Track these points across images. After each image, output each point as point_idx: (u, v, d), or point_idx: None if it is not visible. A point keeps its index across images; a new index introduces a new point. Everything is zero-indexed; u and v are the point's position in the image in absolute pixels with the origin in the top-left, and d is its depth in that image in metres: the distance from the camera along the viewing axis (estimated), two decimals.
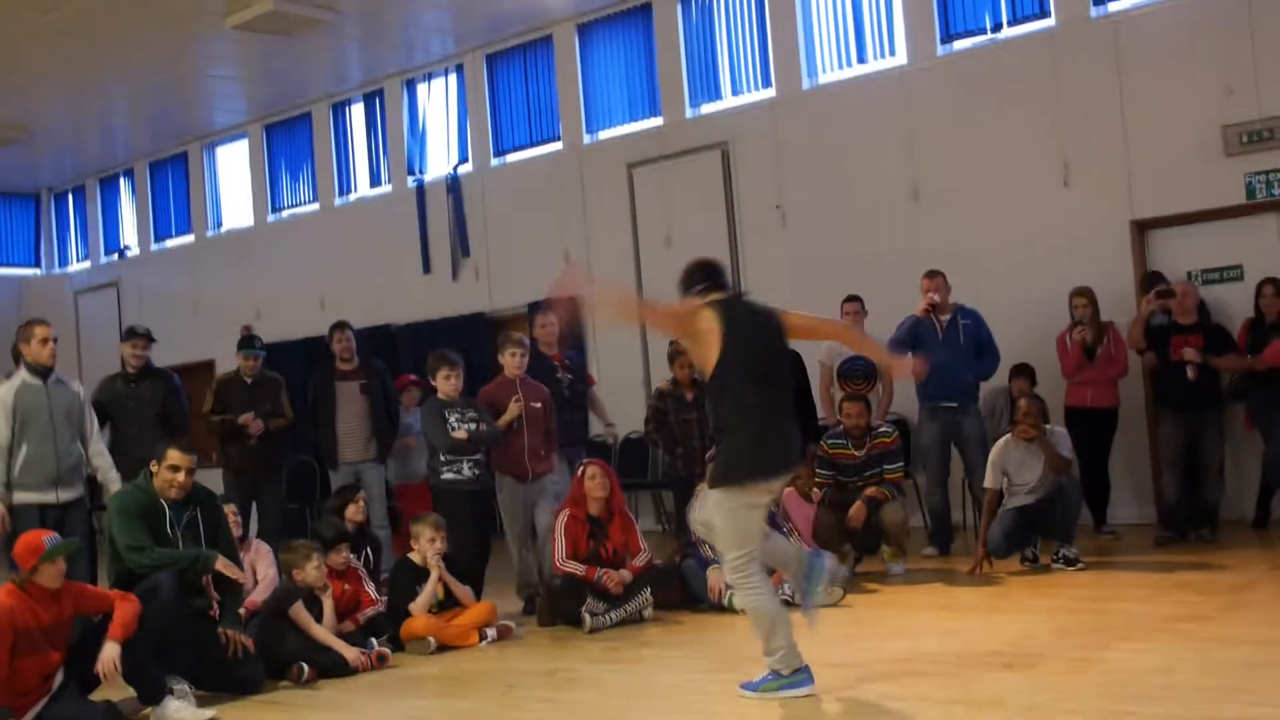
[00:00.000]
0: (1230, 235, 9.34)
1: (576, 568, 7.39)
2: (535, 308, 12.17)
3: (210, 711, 5.77)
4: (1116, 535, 9.06)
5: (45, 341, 7.56)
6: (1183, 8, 9.44)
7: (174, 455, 6.32)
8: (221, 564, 6.29)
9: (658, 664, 6.28)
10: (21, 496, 7.37)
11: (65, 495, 7.53)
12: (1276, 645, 5.33)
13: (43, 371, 7.58)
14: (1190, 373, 8.58)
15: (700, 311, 5.23)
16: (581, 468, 7.69)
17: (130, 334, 9.12)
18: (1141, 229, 9.63)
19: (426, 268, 13.64)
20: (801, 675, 4.99)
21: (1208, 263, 9.40)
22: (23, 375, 7.55)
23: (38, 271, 18.20)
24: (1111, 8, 9.80)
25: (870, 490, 8.23)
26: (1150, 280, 9.07)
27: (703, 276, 5.46)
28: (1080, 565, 7.80)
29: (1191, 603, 6.42)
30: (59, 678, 5.62)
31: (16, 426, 7.42)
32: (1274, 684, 4.67)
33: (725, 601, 7.39)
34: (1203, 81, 9.24)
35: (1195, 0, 9.40)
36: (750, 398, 5.18)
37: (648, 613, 7.35)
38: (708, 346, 5.14)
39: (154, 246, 16.93)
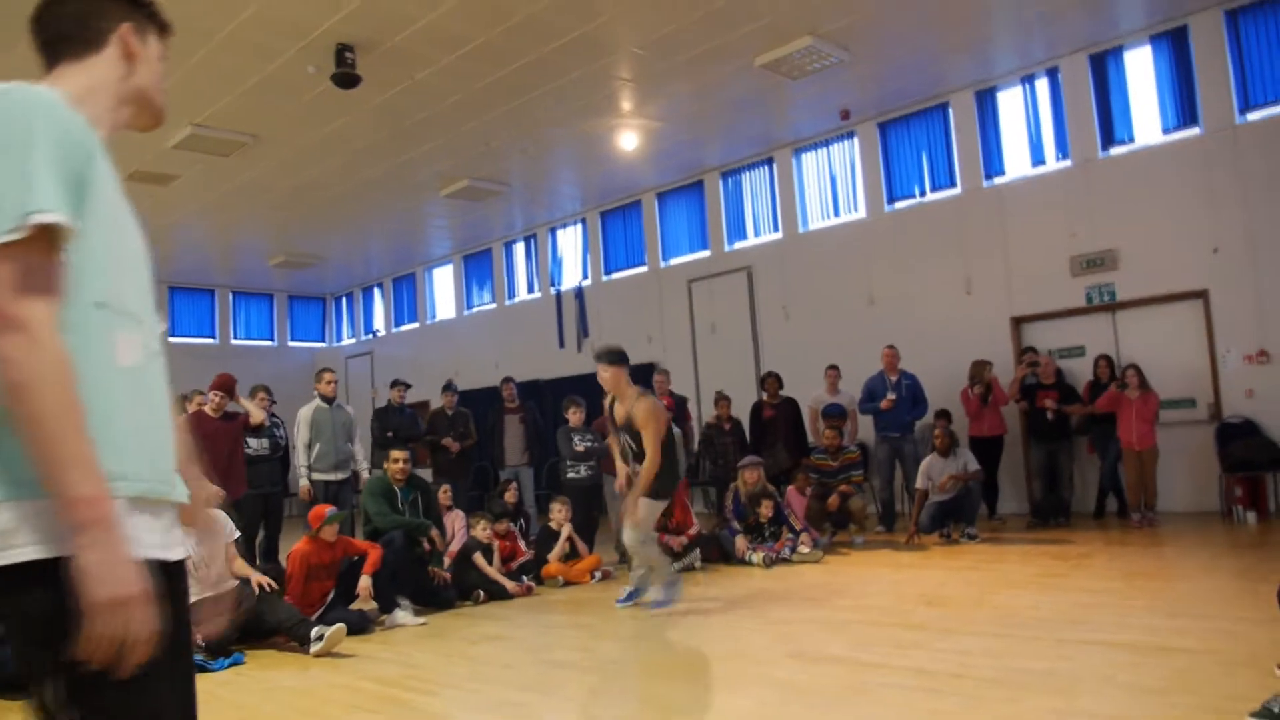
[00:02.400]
0: (1076, 326, 9.22)
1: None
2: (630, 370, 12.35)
3: (423, 619, 5.90)
4: (1003, 521, 8.93)
5: (330, 383, 7.92)
6: (1044, 180, 9.41)
7: (394, 454, 6.60)
8: (434, 534, 6.47)
9: (700, 595, 6.28)
10: (315, 476, 7.70)
11: (339, 476, 7.83)
12: (1106, 593, 5.25)
13: (328, 400, 7.90)
14: (1049, 415, 8.50)
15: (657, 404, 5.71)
16: None
17: (398, 383, 9.42)
18: (1018, 322, 9.55)
19: (561, 344, 13.81)
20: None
21: (1061, 344, 9.28)
22: (316, 401, 7.87)
23: (323, 344, 18.64)
24: (998, 180, 9.77)
25: (842, 487, 8.21)
26: (1024, 354, 9.01)
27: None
28: (979, 539, 7.71)
29: (1050, 565, 6.33)
30: (331, 595, 5.80)
31: (312, 433, 7.75)
32: (1105, 616, 4.62)
33: (745, 558, 7.40)
34: (1056, 227, 9.20)
35: (1052, 175, 9.35)
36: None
37: (698, 564, 7.36)
38: (661, 425, 5.59)
39: (394, 329, 17.27)
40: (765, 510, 7.59)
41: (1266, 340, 8.15)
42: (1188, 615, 4.56)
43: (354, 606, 5.74)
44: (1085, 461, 8.92)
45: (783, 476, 8.75)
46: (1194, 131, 8.54)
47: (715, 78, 8.88)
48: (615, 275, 13.43)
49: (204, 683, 4.59)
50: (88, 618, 1.21)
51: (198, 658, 4.82)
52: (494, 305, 15.24)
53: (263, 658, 5.12)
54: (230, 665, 4.89)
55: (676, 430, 8.61)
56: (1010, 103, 9.67)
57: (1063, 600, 5.11)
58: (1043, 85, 9.40)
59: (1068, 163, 9.25)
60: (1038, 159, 9.52)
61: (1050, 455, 8.60)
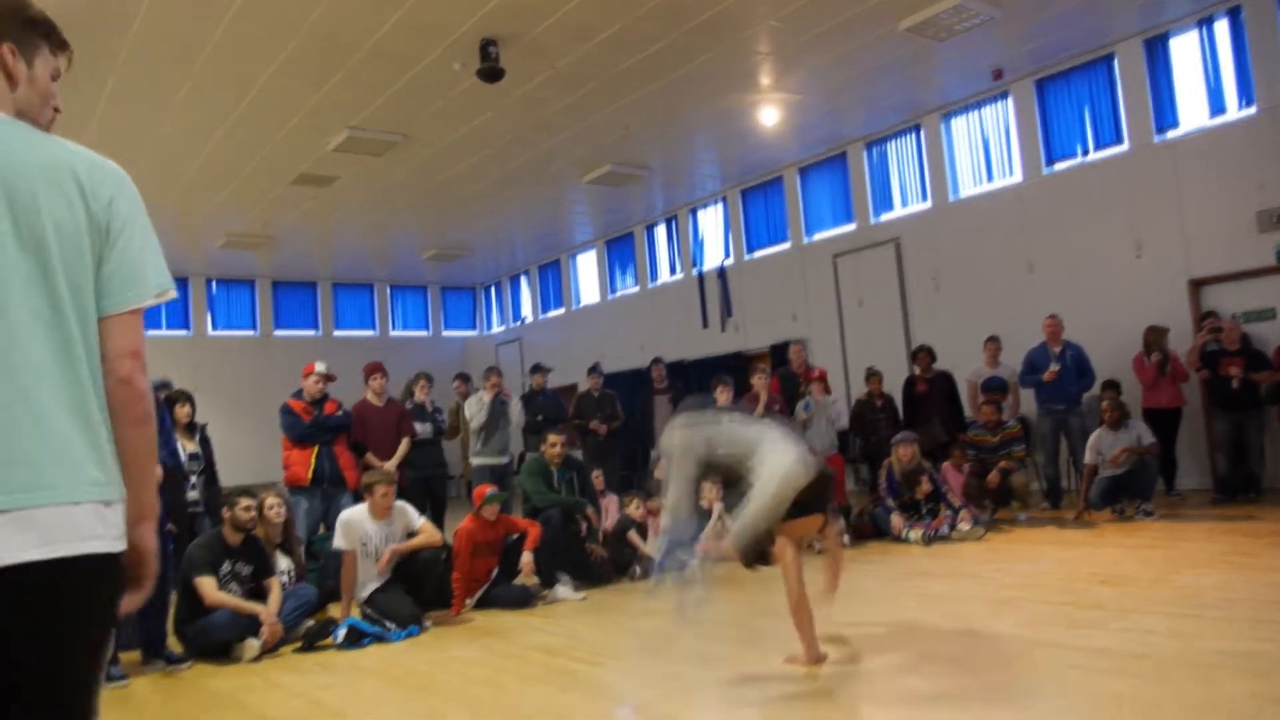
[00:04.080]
0: (1264, 287, 8.51)
1: None
2: (775, 349, 12.27)
3: (582, 594, 6.09)
4: (1182, 497, 8.39)
5: (495, 385, 8.24)
6: (1225, 131, 8.69)
7: (551, 437, 6.80)
8: (590, 512, 6.66)
9: (859, 573, 6.21)
10: (478, 460, 8.15)
11: (500, 461, 8.21)
12: None
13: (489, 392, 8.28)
14: (1235, 383, 7.91)
15: None
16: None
17: (538, 369, 9.68)
18: (1196, 285, 8.90)
19: (705, 324, 13.85)
20: None
21: (1248, 306, 8.59)
22: (480, 394, 8.26)
23: (473, 333, 19.35)
24: (1171, 134, 9.11)
25: (1003, 463, 7.93)
26: (1204, 319, 8.41)
27: None
28: (1155, 516, 7.29)
29: (1240, 543, 5.92)
30: (495, 571, 6.06)
31: (484, 422, 8.24)
32: None
33: (902, 535, 7.26)
34: (1240, 180, 8.50)
35: (1234, 125, 8.64)
36: None
37: (845, 539, 7.22)
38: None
39: (541, 316, 17.71)
40: (924, 487, 7.42)
41: None
42: None
43: (517, 581, 6.00)
44: (1277, 433, 8.25)
45: (938, 452, 8.52)
46: None
47: (857, 45, 8.66)
48: (758, 253, 13.33)
49: (382, 651, 4.91)
50: (144, 583, 1.60)
51: (378, 629, 5.15)
52: (637, 288, 15.41)
53: (435, 630, 5.40)
54: (406, 636, 5.19)
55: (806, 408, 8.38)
56: (1184, 49, 8.99)
57: (1257, 580, 4.77)
58: (1222, 27, 8.69)
59: (1252, 110, 8.53)
60: (1217, 108, 8.82)
61: (1237, 426, 8.00)
